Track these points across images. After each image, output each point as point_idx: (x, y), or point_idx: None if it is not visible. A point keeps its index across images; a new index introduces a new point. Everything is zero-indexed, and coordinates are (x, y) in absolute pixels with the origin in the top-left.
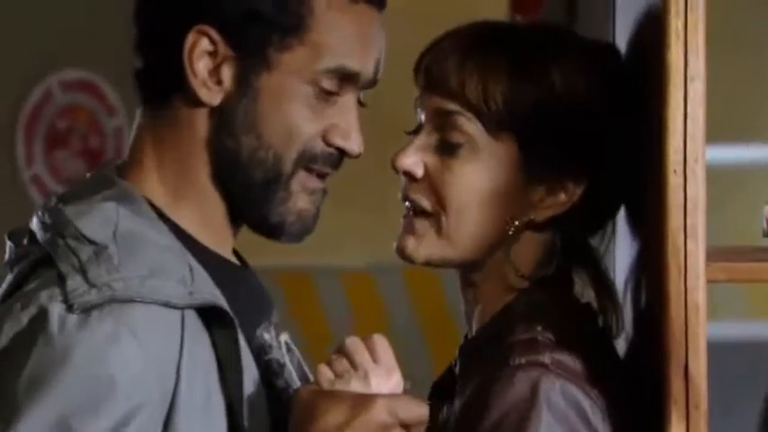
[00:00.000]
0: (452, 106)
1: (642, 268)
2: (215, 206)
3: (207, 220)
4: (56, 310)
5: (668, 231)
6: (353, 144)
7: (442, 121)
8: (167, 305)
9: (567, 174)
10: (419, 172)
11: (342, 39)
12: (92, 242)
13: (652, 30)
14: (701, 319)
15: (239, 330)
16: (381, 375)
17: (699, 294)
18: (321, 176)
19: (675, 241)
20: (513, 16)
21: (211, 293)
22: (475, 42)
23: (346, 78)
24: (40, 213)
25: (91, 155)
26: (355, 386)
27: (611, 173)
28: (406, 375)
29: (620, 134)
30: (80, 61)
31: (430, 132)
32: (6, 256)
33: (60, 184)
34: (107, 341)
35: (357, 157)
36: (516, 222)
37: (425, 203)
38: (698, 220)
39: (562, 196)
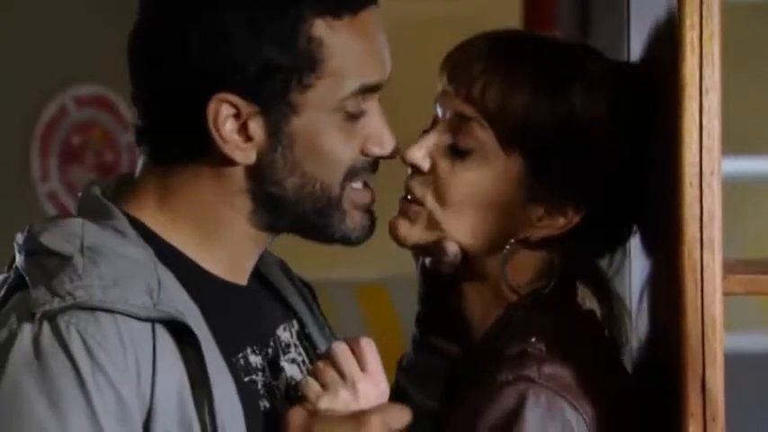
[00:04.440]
0: (470, 111)
1: (658, 282)
2: (234, 234)
3: (211, 243)
4: (26, 326)
5: (685, 244)
6: (389, 147)
7: (457, 124)
8: (129, 315)
9: (569, 198)
10: (425, 166)
11: (355, 57)
12: (58, 255)
13: (667, 42)
14: (718, 331)
15: (206, 348)
16: (369, 384)
17: (716, 307)
18: (366, 185)
19: (692, 254)
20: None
21: (176, 309)
22: (504, 51)
23: (368, 92)
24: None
25: (106, 170)
26: (344, 397)
27: (615, 200)
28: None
29: (629, 162)
30: (94, 77)
31: (444, 132)
32: None
33: (76, 199)
34: (76, 349)
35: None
36: (512, 240)
37: (424, 198)
38: (714, 233)
39: (560, 220)
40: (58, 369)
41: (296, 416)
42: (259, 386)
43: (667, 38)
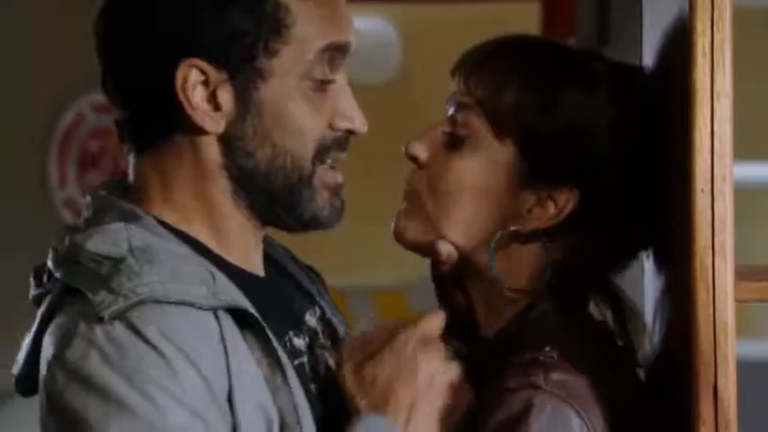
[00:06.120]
0: (467, 100)
1: (671, 292)
2: (233, 222)
3: (223, 235)
4: (98, 329)
5: (696, 251)
6: (358, 123)
7: (456, 115)
8: (194, 306)
9: (560, 187)
10: (422, 157)
11: (320, 21)
12: (109, 259)
13: (679, 48)
14: (730, 338)
15: (269, 333)
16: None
17: (728, 314)
18: (334, 167)
19: (704, 261)
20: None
21: (233, 297)
22: (505, 47)
23: (336, 52)
24: (51, 252)
25: (123, 176)
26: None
27: (612, 195)
28: None
29: (628, 159)
30: None
31: (445, 125)
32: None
33: None
34: (155, 337)
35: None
36: (501, 232)
37: (419, 189)
38: (726, 239)
39: (551, 209)
40: (143, 360)
41: (348, 366)
42: (307, 369)
43: (679, 44)
